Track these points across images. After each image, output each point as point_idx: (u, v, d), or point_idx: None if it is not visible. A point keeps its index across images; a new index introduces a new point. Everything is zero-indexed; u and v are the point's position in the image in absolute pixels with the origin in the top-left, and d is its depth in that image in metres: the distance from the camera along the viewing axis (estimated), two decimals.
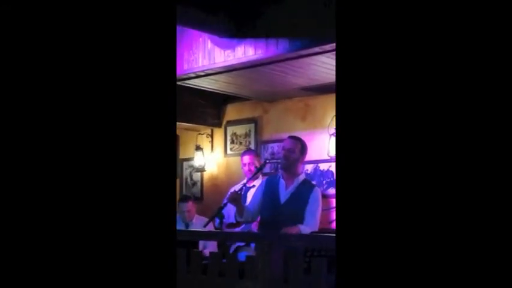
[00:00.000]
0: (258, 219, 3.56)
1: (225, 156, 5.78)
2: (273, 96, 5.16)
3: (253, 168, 4.15)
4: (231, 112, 5.78)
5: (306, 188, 3.35)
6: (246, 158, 4.42)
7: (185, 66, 4.05)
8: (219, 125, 5.82)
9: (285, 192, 3.37)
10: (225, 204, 3.33)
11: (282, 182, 3.42)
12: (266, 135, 5.46)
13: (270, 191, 3.43)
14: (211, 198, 5.73)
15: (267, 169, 4.54)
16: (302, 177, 3.45)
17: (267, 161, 3.47)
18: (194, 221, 4.81)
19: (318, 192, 3.37)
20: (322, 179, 4.68)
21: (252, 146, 5.53)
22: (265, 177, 3.59)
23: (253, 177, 3.81)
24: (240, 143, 5.66)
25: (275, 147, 5.19)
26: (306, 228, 3.19)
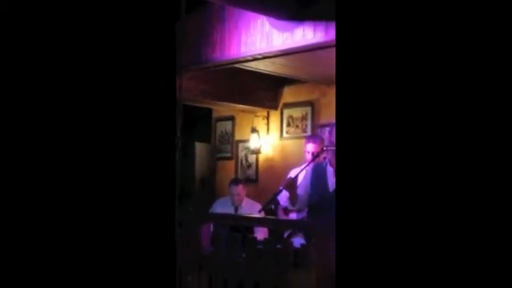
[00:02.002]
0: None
1: (280, 139, 5.74)
2: (331, 79, 5.05)
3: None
4: (288, 94, 5.71)
5: None
6: (310, 146, 4.08)
7: (242, 49, 4.01)
8: (275, 108, 5.77)
9: (333, 180, 3.26)
10: (280, 191, 3.28)
11: (330, 169, 3.30)
12: (323, 119, 5.37)
13: (317, 178, 3.32)
14: (266, 180, 5.71)
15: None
16: None
17: (325, 148, 3.37)
18: (243, 204, 4.78)
19: None
20: None
21: (309, 130, 5.45)
22: (312, 164, 3.44)
23: (313, 161, 3.66)
24: (297, 126, 5.60)
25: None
26: None
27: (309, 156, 4.02)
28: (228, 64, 4.35)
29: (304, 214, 3.76)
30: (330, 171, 3.28)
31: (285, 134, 5.71)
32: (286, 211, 3.95)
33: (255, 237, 2.92)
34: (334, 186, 3.22)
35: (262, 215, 3.60)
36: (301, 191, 3.34)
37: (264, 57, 4.07)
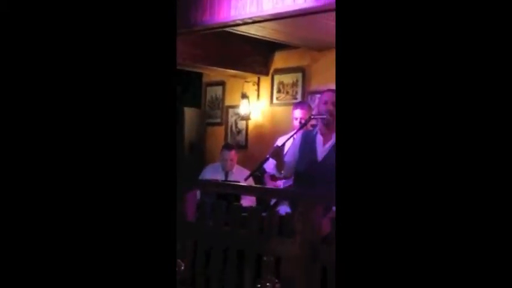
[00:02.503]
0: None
1: (271, 105, 5.69)
2: (322, 45, 4.98)
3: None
4: (279, 60, 5.64)
5: None
6: (298, 112, 4.06)
7: (232, 13, 3.91)
8: (266, 73, 5.71)
9: (322, 149, 3.19)
10: (267, 159, 3.24)
11: (319, 137, 3.23)
12: (314, 86, 5.32)
13: (306, 146, 3.25)
14: (256, 147, 5.69)
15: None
16: None
17: (312, 117, 3.31)
18: (234, 170, 4.78)
19: None
20: None
21: (299, 96, 5.40)
22: (301, 132, 3.39)
23: (300, 129, 3.62)
24: (287, 93, 5.54)
25: (325, 93, 5.00)
26: None
27: (296, 123, 3.99)
28: (218, 28, 4.26)
29: (291, 182, 3.74)
30: (320, 139, 3.22)
31: (275, 100, 5.66)
32: (274, 178, 3.93)
33: (240, 205, 2.89)
34: (323, 156, 3.18)
35: (248, 182, 3.58)
36: (288, 157, 3.30)
37: (254, 22, 3.98)
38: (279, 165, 3.22)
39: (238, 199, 3.47)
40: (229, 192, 3.21)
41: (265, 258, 2.34)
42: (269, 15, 3.75)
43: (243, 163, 5.06)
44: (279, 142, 3.85)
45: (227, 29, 4.35)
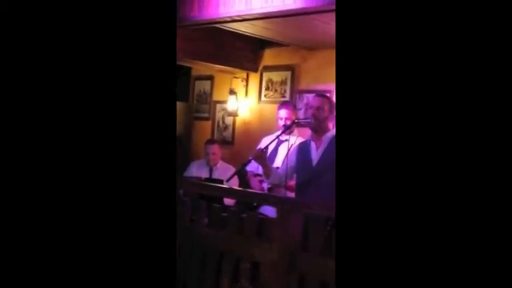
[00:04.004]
0: (293, 183, 3.42)
1: (259, 103, 5.66)
2: (313, 44, 4.94)
3: (288, 124, 3.88)
4: (269, 57, 5.60)
5: (333, 147, 3.16)
6: (283, 112, 4.02)
7: (221, 9, 3.87)
8: (255, 70, 5.66)
9: (315, 154, 3.20)
10: (249, 161, 3.21)
11: (313, 144, 3.23)
12: (303, 85, 5.29)
13: (302, 157, 3.27)
14: (242, 143, 5.66)
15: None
16: (331, 133, 3.25)
17: (296, 121, 3.29)
18: (218, 165, 4.76)
19: None
20: None
21: (288, 95, 5.37)
22: (298, 144, 3.39)
23: (285, 132, 3.59)
24: (276, 90, 5.51)
25: (310, 98, 4.99)
26: None
27: (281, 123, 3.97)
28: (206, 24, 4.21)
29: (267, 185, 3.74)
30: (313, 146, 3.23)
31: (263, 98, 5.62)
32: (258, 175, 3.89)
33: (220, 207, 2.87)
34: (317, 160, 3.18)
35: (232, 182, 3.55)
36: (282, 168, 3.29)
37: (243, 20, 3.94)
38: (265, 170, 3.21)
39: (220, 201, 3.43)
40: (210, 194, 3.17)
41: (243, 266, 2.32)
42: (258, 14, 3.72)
43: (228, 159, 5.04)
44: (263, 143, 3.82)
45: (216, 25, 4.30)
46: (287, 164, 3.27)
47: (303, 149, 3.30)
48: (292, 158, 3.31)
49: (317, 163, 3.17)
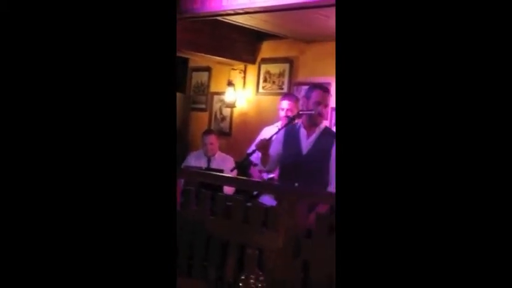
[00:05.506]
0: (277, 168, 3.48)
1: (256, 94, 5.71)
2: (311, 37, 5.00)
3: (290, 115, 3.95)
4: (267, 49, 5.65)
5: (328, 138, 3.23)
6: (285, 103, 4.10)
7: (224, 2, 3.92)
8: (253, 62, 5.71)
9: (306, 142, 3.25)
10: (254, 151, 3.27)
11: (303, 130, 3.28)
12: (300, 77, 5.35)
13: (290, 140, 3.31)
14: (240, 134, 5.72)
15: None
16: (323, 125, 3.31)
17: (300, 112, 3.36)
18: (216, 156, 4.79)
19: None
20: None
21: (286, 87, 5.43)
22: (285, 127, 3.44)
23: (290, 123, 3.65)
24: (273, 82, 5.57)
25: (314, 92, 5.03)
26: None
27: (282, 114, 4.04)
28: (208, 17, 4.26)
29: (273, 174, 3.79)
30: (303, 133, 3.28)
31: (261, 90, 5.68)
32: (260, 169, 3.96)
33: (225, 196, 2.93)
34: (308, 149, 3.24)
35: (235, 173, 3.60)
36: (272, 151, 3.35)
37: (246, 13, 3.99)
38: (264, 159, 3.26)
39: (221, 187, 3.50)
40: (212, 183, 3.23)
41: (249, 252, 2.38)
42: (260, 7, 3.77)
43: (226, 150, 5.08)
44: (265, 133, 3.87)
45: (216, 17, 4.34)
46: (276, 150, 3.32)
47: (289, 132, 3.34)
48: (279, 142, 3.35)
49: (308, 151, 3.22)
